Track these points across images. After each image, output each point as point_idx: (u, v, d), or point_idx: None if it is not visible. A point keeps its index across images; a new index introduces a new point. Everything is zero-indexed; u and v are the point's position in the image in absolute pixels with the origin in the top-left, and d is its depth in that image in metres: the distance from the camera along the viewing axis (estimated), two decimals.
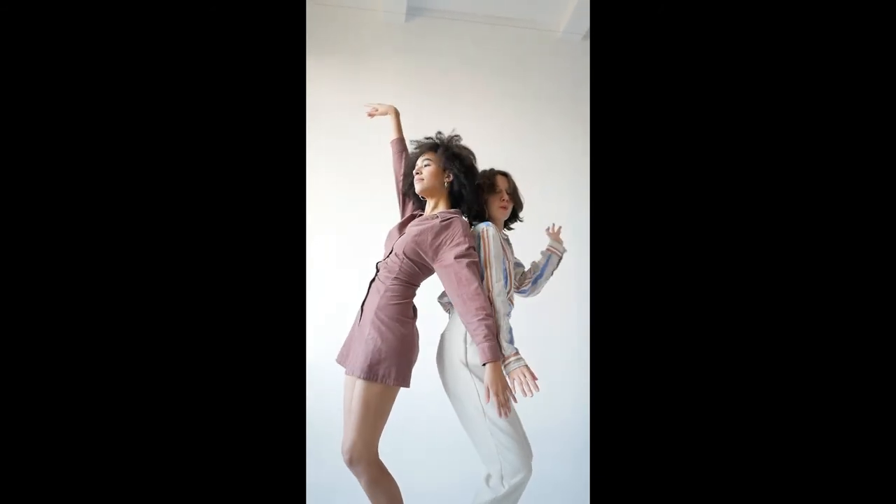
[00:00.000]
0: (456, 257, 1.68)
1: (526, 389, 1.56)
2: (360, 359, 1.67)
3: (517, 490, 1.67)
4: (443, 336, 1.84)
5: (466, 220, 1.85)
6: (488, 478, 1.69)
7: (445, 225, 1.77)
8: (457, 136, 1.94)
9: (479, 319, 1.60)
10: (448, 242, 1.73)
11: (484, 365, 1.60)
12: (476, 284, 1.65)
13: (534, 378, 1.57)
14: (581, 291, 3.37)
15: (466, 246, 1.71)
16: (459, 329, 1.76)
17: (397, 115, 2.21)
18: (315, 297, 2.93)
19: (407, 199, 2.07)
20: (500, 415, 1.58)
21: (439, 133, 1.94)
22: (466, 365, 1.71)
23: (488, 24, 3.71)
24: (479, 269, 1.72)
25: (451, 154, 1.86)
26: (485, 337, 1.58)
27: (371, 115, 2.24)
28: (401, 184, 2.07)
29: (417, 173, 1.88)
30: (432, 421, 2.78)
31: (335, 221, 3.28)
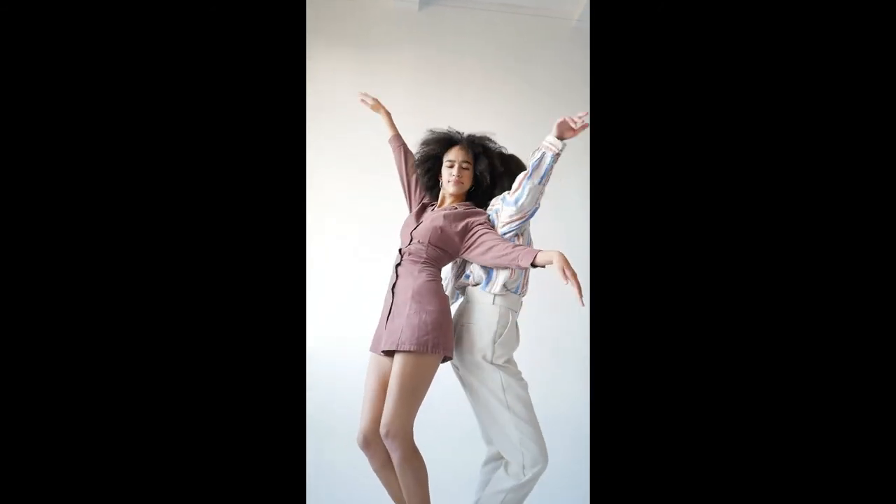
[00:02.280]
0: (483, 231, 1.80)
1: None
2: (406, 334, 1.72)
3: (535, 478, 1.73)
4: (463, 327, 1.85)
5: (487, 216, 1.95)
6: (507, 465, 1.75)
7: (468, 212, 1.90)
8: (490, 139, 2.00)
9: (513, 246, 1.69)
10: (473, 222, 1.85)
11: (534, 267, 1.62)
12: (501, 239, 1.76)
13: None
14: (583, 282, 3.35)
15: (488, 224, 1.85)
16: (490, 326, 1.78)
17: (389, 114, 2.23)
18: (315, 287, 2.93)
19: (416, 188, 2.10)
20: (582, 303, 1.53)
21: (475, 136, 1.99)
22: (492, 362, 1.76)
23: (502, 12, 3.67)
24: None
25: (498, 173, 1.94)
26: (518, 248, 1.67)
27: (363, 101, 2.23)
28: (405, 176, 2.12)
29: (458, 176, 1.92)
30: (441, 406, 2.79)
31: (341, 208, 3.27)
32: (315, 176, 2.87)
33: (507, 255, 1.68)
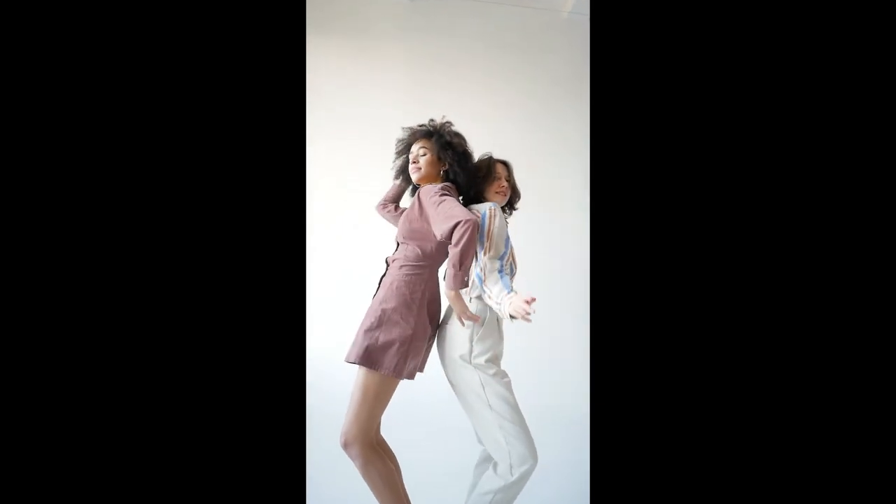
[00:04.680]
0: (437, 205, 1.70)
1: (523, 314, 1.50)
2: (358, 346, 1.68)
3: (525, 478, 1.70)
4: (443, 329, 1.82)
5: (445, 185, 1.81)
6: (495, 465, 1.72)
7: (420, 194, 1.80)
8: (448, 122, 1.93)
9: (456, 259, 1.60)
10: (428, 203, 1.74)
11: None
12: (440, 217, 1.66)
13: (528, 302, 1.51)
14: (582, 280, 3.35)
15: (440, 193, 1.73)
16: (464, 328, 1.74)
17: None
18: (315, 288, 2.90)
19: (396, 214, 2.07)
20: (462, 325, 1.69)
21: (432, 120, 1.93)
22: (470, 363, 1.73)
23: (495, 3, 3.65)
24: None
25: (445, 143, 1.86)
26: (453, 266, 1.62)
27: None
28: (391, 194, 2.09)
29: (414, 162, 1.88)
30: (434, 403, 2.77)
31: (336, 201, 3.25)
32: (315, 174, 2.84)
33: (448, 230, 1.62)
